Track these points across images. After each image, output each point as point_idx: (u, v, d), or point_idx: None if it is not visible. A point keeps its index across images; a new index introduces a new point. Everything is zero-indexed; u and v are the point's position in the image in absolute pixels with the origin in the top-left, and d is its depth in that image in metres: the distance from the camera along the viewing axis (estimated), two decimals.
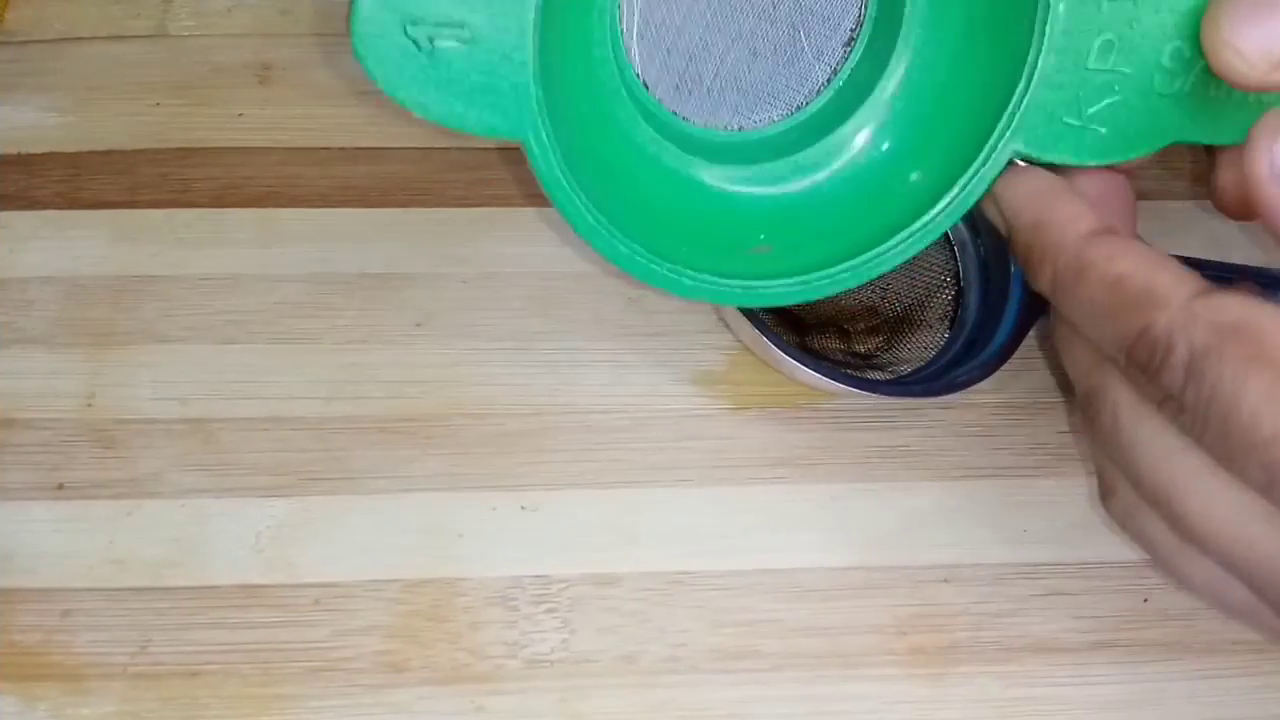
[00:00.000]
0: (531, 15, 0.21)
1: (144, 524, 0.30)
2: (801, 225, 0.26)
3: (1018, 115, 0.23)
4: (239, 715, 0.28)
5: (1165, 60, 0.22)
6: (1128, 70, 0.22)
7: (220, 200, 0.35)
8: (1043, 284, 0.23)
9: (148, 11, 0.38)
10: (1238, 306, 0.20)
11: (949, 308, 0.33)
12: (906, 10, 0.25)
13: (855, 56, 0.26)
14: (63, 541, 0.30)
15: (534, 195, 0.35)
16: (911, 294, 0.33)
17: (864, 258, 0.24)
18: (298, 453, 0.31)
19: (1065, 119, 0.23)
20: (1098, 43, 0.22)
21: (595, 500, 0.31)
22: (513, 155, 0.35)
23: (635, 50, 0.25)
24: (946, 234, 0.33)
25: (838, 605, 0.30)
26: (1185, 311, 0.20)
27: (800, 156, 0.26)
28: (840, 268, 0.24)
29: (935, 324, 0.33)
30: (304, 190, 0.35)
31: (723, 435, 0.32)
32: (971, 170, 0.23)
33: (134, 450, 0.31)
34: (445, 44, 0.21)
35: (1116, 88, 0.23)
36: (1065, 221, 0.22)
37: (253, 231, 0.34)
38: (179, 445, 0.31)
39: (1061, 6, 0.22)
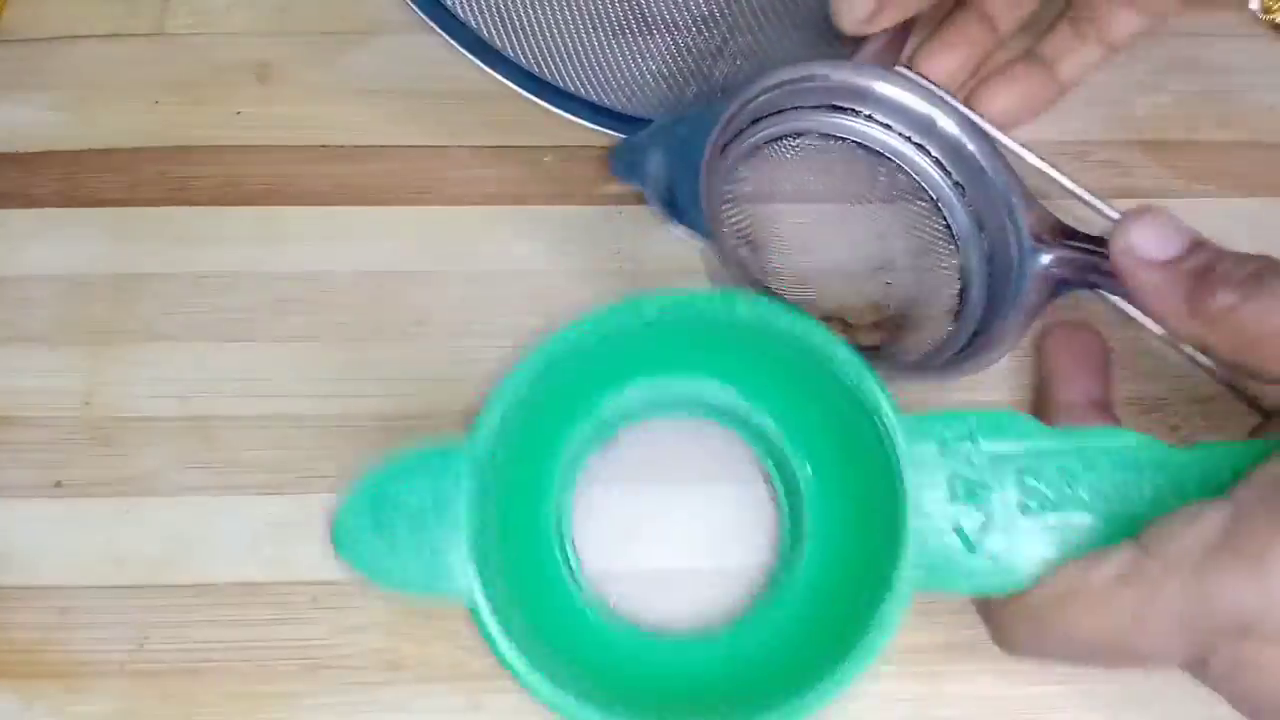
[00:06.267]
0: (463, 511, 0.26)
1: (142, 522, 0.30)
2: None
3: (906, 553, 0.26)
4: (237, 712, 0.28)
5: (1017, 492, 0.26)
6: (988, 503, 0.26)
7: (219, 198, 0.35)
8: None
9: (146, 10, 0.38)
10: (1023, 600, 0.26)
11: (953, 302, 0.33)
12: (807, 506, 0.29)
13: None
14: (61, 539, 0.30)
15: (531, 194, 0.35)
16: (917, 290, 0.33)
17: (816, 692, 0.26)
18: (296, 451, 0.31)
19: (950, 551, 0.26)
20: (954, 482, 0.26)
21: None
22: (510, 155, 0.35)
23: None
24: (950, 230, 0.33)
25: None
26: (999, 620, 0.27)
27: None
28: (789, 706, 0.26)
29: (939, 317, 0.33)
30: (303, 188, 0.35)
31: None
32: (889, 606, 0.26)
33: (132, 448, 0.31)
34: (399, 533, 0.26)
35: (984, 517, 0.26)
36: None
37: (251, 229, 0.34)
38: (177, 443, 0.31)
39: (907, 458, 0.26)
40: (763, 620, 0.29)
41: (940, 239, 0.33)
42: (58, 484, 0.31)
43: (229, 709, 0.28)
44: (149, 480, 0.31)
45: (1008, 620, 0.26)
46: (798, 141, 0.34)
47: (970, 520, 0.26)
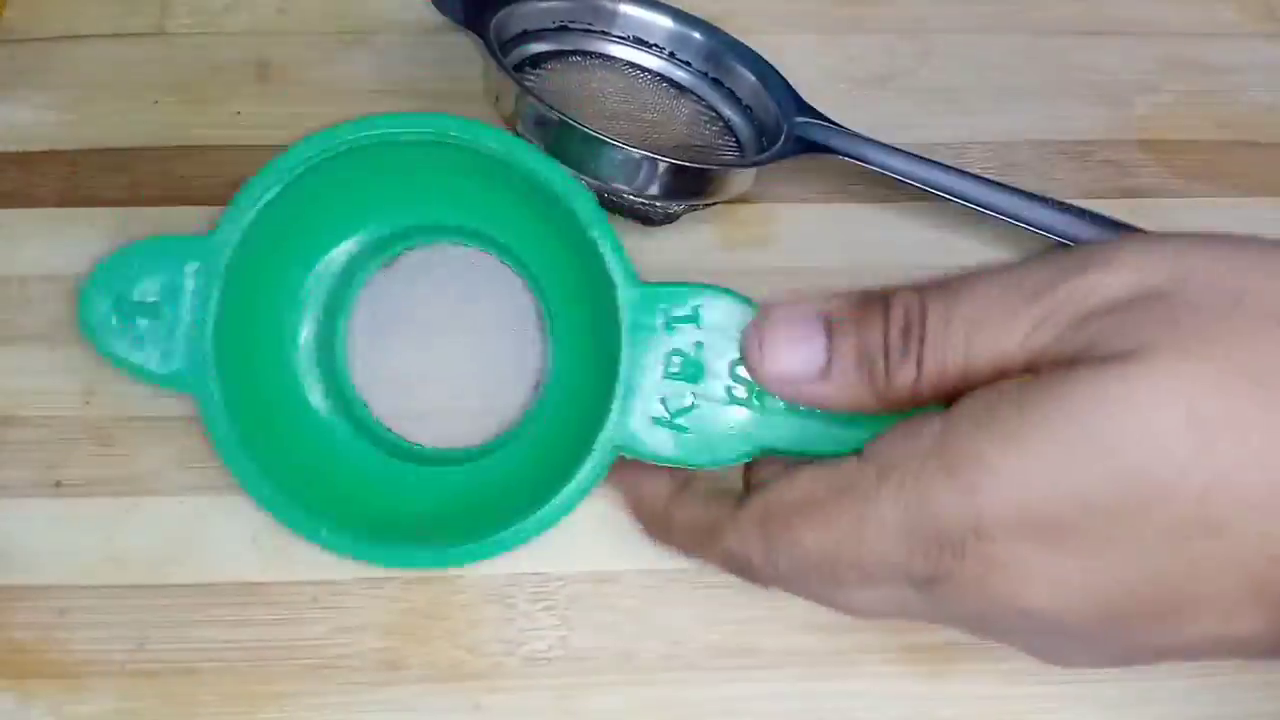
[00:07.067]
0: (209, 320, 0.28)
1: (142, 522, 0.30)
2: (453, 507, 0.30)
3: (612, 416, 0.27)
4: (236, 713, 0.28)
5: (730, 375, 0.27)
6: (701, 382, 0.27)
7: (219, 198, 0.34)
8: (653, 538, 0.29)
9: (146, 10, 0.38)
10: (759, 500, 0.25)
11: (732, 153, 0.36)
12: (555, 350, 0.30)
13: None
14: (60, 539, 0.30)
15: None
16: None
17: (509, 533, 0.27)
18: None
19: (656, 421, 0.27)
20: (672, 357, 0.27)
21: (592, 497, 0.30)
22: None
23: (355, 369, 0.31)
24: (717, 111, 0.37)
25: None
26: (735, 527, 0.26)
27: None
28: (487, 541, 0.27)
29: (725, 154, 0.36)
30: None
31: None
32: (588, 464, 0.27)
33: (132, 448, 0.31)
34: (142, 322, 0.28)
35: (694, 396, 0.27)
36: (651, 495, 0.29)
37: None
38: (177, 443, 0.31)
39: (628, 323, 0.27)
40: (506, 452, 0.30)
41: (710, 116, 0.37)
42: (58, 483, 0.30)
43: (229, 709, 0.28)
44: (149, 480, 0.31)
45: (745, 533, 0.26)
46: (574, 59, 0.36)
47: (678, 396, 0.27)
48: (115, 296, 0.28)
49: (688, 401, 0.27)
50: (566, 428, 0.29)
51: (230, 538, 0.30)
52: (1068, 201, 0.33)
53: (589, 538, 0.30)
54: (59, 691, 0.28)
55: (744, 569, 0.26)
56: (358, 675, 0.29)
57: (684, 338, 0.27)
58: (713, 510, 0.27)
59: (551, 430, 0.30)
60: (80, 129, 0.36)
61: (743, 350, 0.27)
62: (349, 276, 0.31)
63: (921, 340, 0.24)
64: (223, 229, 0.28)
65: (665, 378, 0.27)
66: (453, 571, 0.30)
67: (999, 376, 0.24)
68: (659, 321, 0.27)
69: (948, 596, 0.24)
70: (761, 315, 0.27)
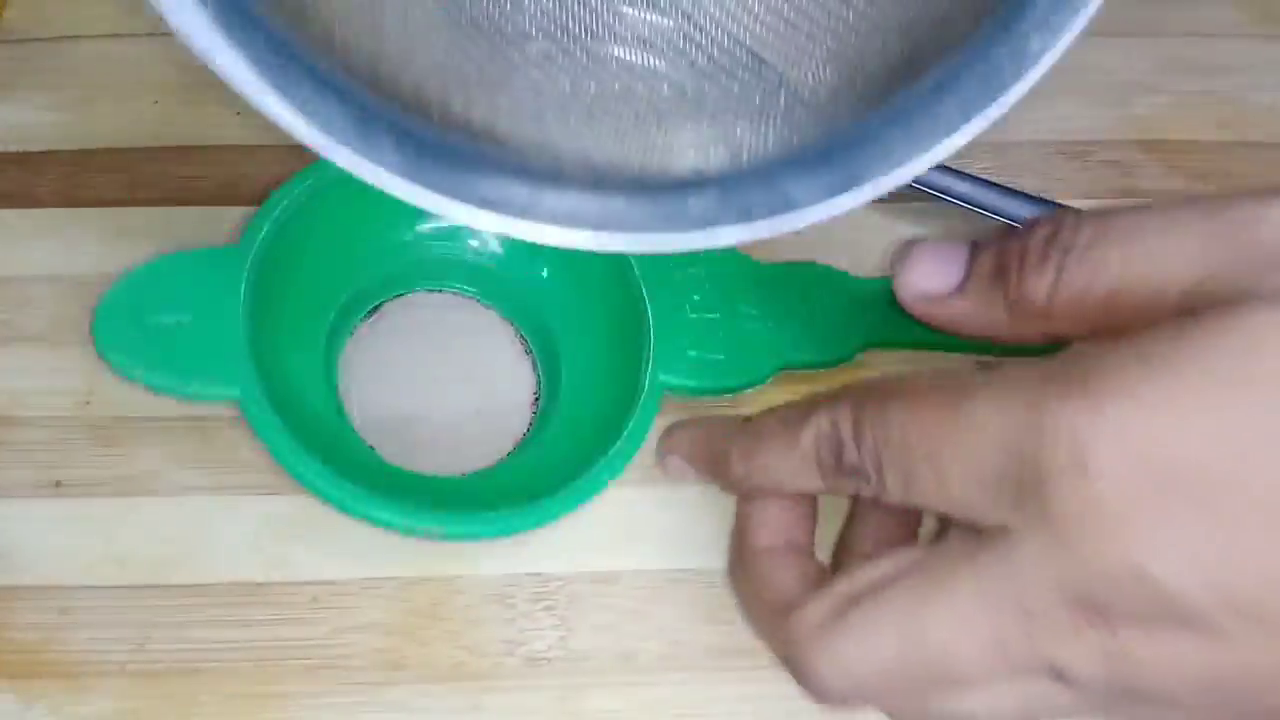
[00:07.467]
0: (240, 321, 0.29)
1: (142, 522, 0.30)
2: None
3: (651, 356, 0.30)
4: (237, 713, 0.28)
5: (745, 304, 0.31)
6: (720, 316, 0.31)
7: (219, 198, 0.35)
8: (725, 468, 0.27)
9: (146, 10, 0.38)
10: (863, 382, 0.24)
11: None
12: (560, 344, 0.32)
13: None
14: (61, 539, 0.30)
15: None
16: None
17: (580, 484, 0.29)
18: None
19: (689, 353, 0.31)
20: (691, 300, 0.31)
21: (592, 497, 0.31)
22: None
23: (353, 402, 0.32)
24: None
25: None
26: (831, 401, 0.24)
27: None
28: (560, 496, 0.29)
29: None
30: None
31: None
32: (636, 407, 0.30)
33: (132, 448, 0.31)
34: (168, 331, 0.29)
35: (718, 328, 0.31)
36: (716, 429, 0.27)
37: None
38: (178, 443, 0.31)
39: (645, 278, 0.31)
40: (524, 458, 0.31)
41: None
42: (58, 484, 0.30)
43: (229, 709, 0.28)
44: (149, 480, 0.31)
45: (839, 404, 0.23)
46: None
47: (703, 331, 0.31)
48: (137, 308, 0.29)
49: (712, 335, 0.31)
50: (581, 424, 0.30)
51: (230, 538, 0.30)
52: (1065, 204, 0.33)
53: (588, 538, 0.30)
54: (60, 692, 0.28)
55: (831, 450, 0.23)
56: (358, 675, 0.29)
57: (698, 285, 0.31)
58: (805, 401, 0.25)
59: (566, 429, 0.31)
60: (80, 129, 0.36)
61: (892, 269, 0.25)
62: (336, 330, 0.32)
63: (1067, 250, 0.22)
64: (252, 239, 0.29)
65: (689, 319, 0.31)
66: (452, 571, 0.30)
67: (1149, 317, 0.20)
68: (672, 276, 0.31)
69: (1031, 548, 0.20)
70: (913, 241, 0.25)
